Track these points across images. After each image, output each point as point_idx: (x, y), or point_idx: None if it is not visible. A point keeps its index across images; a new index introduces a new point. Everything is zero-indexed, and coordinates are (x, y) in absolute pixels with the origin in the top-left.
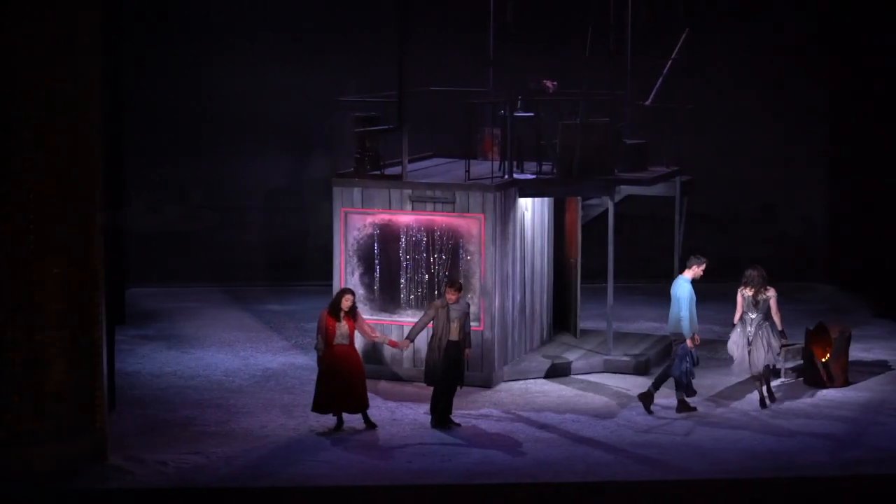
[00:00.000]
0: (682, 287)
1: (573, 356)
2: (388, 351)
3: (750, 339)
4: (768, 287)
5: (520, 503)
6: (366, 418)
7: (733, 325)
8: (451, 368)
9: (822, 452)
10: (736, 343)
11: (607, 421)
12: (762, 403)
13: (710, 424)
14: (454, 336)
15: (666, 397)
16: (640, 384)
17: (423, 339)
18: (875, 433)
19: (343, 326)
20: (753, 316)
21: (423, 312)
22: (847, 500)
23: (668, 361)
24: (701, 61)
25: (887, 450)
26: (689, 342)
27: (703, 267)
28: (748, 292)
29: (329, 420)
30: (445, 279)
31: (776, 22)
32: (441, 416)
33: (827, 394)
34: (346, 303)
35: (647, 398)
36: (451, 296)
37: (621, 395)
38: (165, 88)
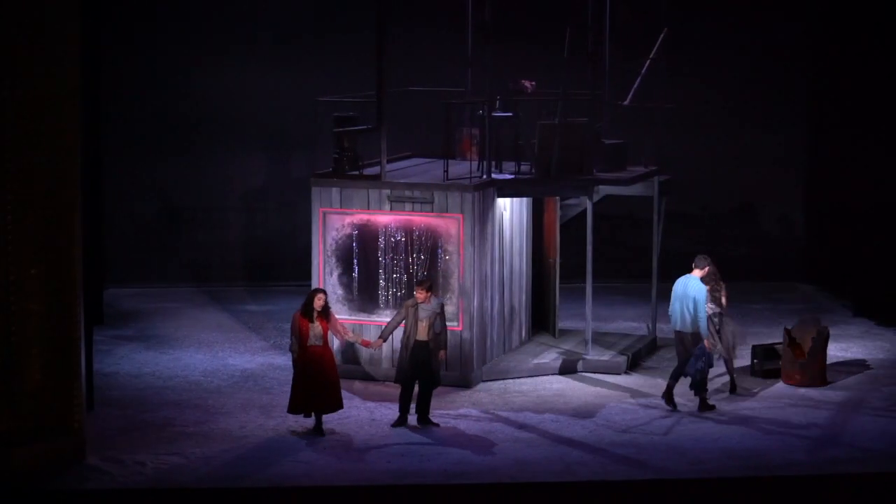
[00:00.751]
0: (698, 287)
1: (552, 356)
2: (365, 351)
3: (717, 328)
4: (720, 281)
5: (498, 503)
6: (320, 423)
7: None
8: (419, 368)
9: (801, 451)
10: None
11: (586, 421)
12: (732, 388)
13: (689, 424)
14: (422, 336)
15: (645, 397)
16: (619, 383)
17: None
18: (853, 432)
19: (317, 327)
20: (714, 307)
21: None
22: (825, 499)
23: (682, 359)
24: (680, 61)
25: (865, 448)
26: (706, 343)
27: (711, 267)
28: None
29: (308, 421)
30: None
31: (755, 22)
32: (420, 415)
33: (805, 393)
34: (318, 303)
35: (669, 396)
36: (419, 295)
37: (600, 394)
38: (144, 88)
